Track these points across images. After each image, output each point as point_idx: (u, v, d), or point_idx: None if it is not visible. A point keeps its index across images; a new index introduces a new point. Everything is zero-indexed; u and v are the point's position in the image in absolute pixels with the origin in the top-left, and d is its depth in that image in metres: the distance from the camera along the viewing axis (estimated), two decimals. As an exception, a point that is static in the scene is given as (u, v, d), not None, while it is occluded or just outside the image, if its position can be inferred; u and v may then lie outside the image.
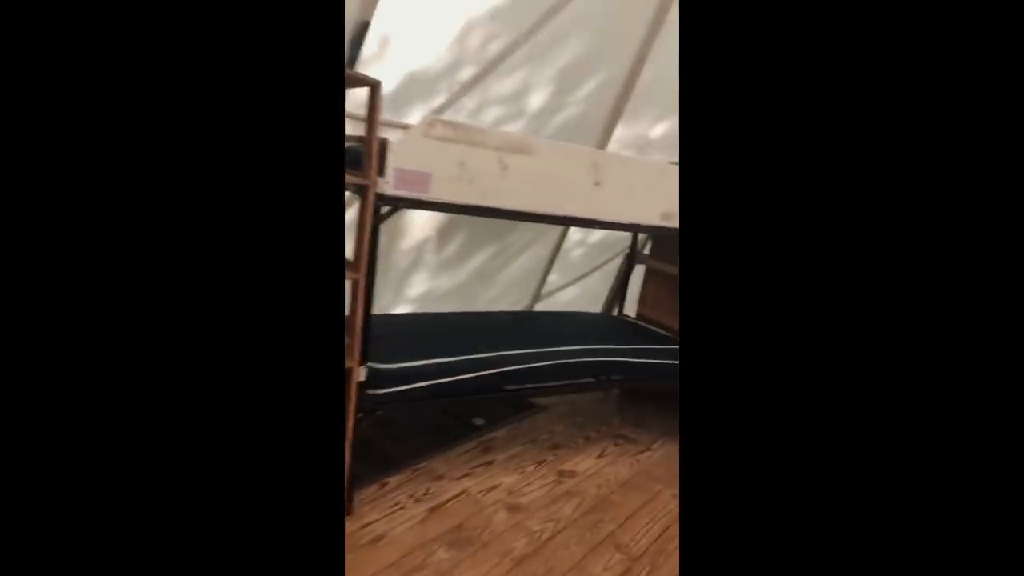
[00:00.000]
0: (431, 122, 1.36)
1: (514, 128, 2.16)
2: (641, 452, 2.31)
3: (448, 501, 1.76)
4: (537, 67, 2.00)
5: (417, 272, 2.39)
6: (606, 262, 3.16)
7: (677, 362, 2.35)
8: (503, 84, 1.97)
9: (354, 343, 1.39)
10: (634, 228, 2.05)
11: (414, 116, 1.83)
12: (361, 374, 1.47)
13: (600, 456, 2.22)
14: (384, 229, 1.42)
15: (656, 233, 2.63)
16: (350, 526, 1.57)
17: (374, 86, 1.24)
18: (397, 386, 1.63)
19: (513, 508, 1.77)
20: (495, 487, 1.88)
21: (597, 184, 1.80)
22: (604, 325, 2.57)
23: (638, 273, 2.92)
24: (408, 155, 1.34)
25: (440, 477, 1.90)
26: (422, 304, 2.51)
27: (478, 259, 2.58)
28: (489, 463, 2.04)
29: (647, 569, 1.57)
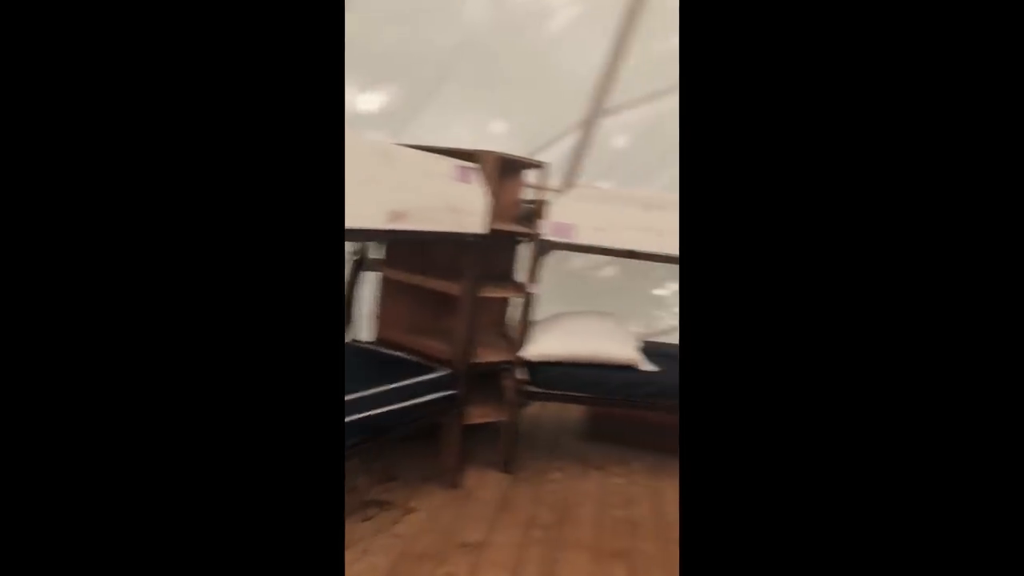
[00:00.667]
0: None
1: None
2: (398, 520, 1.80)
3: None
4: None
5: None
6: (328, 273, 2.49)
7: (433, 396, 1.88)
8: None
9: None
10: (351, 236, 1.45)
11: None
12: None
13: (349, 546, 1.63)
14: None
15: (385, 239, 2.08)
16: None
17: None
18: None
19: None
20: None
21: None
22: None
23: (370, 283, 2.34)
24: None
25: None
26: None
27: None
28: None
29: None
